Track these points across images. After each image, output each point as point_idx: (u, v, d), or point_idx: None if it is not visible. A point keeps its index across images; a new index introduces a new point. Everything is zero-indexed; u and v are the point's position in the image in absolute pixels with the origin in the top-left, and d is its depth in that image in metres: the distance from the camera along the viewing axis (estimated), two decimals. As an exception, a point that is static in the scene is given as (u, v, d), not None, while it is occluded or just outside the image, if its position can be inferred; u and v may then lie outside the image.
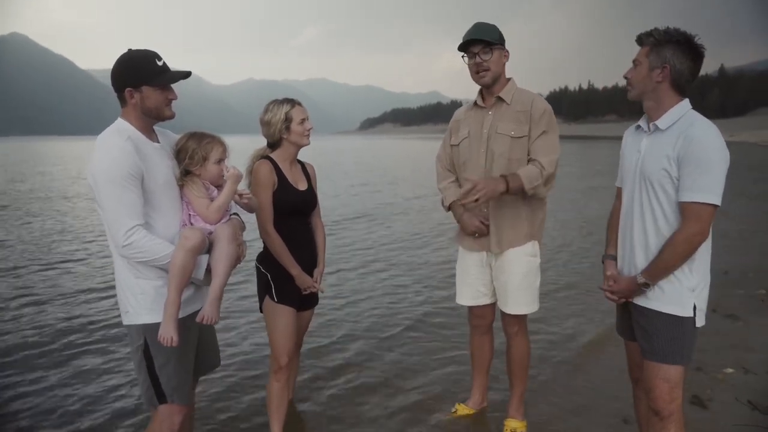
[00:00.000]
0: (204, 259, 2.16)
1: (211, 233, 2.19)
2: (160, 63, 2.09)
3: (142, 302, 2.11)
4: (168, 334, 2.02)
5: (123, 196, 1.99)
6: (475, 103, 2.95)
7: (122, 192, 1.99)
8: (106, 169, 1.99)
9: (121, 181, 1.98)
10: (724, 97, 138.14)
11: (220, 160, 2.26)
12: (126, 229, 1.99)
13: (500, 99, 2.83)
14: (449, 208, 3.02)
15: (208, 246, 2.17)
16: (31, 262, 7.25)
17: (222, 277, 2.13)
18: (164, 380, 2.16)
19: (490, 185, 2.57)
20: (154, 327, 2.08)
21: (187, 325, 2.16)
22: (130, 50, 2.11)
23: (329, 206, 11.95)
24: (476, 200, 2.55)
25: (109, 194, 1.99)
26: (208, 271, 2.17)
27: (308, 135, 2.80)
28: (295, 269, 2.77)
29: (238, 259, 2.27)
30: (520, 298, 2.87)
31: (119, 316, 2.25)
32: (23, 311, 5.27)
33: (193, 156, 2.22)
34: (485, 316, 3.10)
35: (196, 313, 2.17)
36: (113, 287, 2.27)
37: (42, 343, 4.44)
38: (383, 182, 19.09)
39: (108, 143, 2.04)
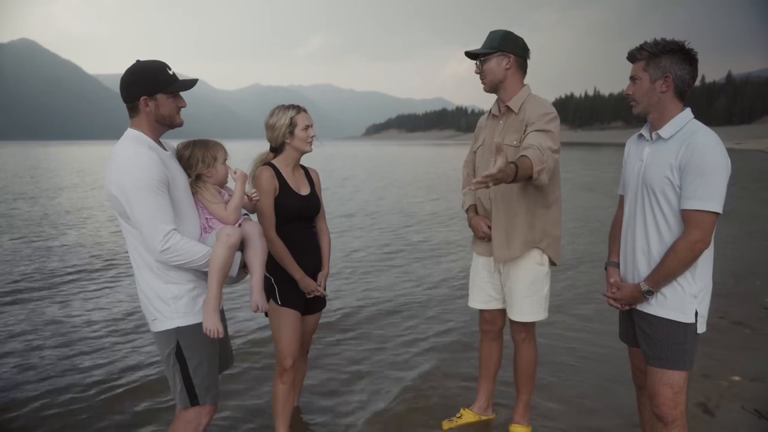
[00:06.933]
0: (238, 256, 2.26)
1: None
2: (170, 72, 2.16)
3: (174, 307, 2.16)
4: (214, 326, 2.12)
5: (157, 203, 2.04)
6: (491, 112, 2.97)
7: (156, 198, 2.03)
8: (139, 178, 2.02)
9: (154, 188, 2.03)
10: (730, 105, 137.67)
11: (225, 160, 2.37)
12: (163, 234, 2.04)
13: (509, 109, 2.82)
14: (467, 212, 3.07)
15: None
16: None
17: (261, 270, 2.33)
18: (198, 381, 2.22)
19: (505, 173, 2.19)
20: (187, 329, 2.16)
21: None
22: (139, 61, 2.17)
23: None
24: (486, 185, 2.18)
25: (142, 202, 2.02)
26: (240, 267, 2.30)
27: (311, 142, 2.83)
28: (298, 273, 2.78)
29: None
30: (525, 306, 2.87)
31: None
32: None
33: (204, 159, 2.31)
34: (495, 322, 3.11)
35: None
36: None
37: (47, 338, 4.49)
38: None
39: (133, 153, 2.07)
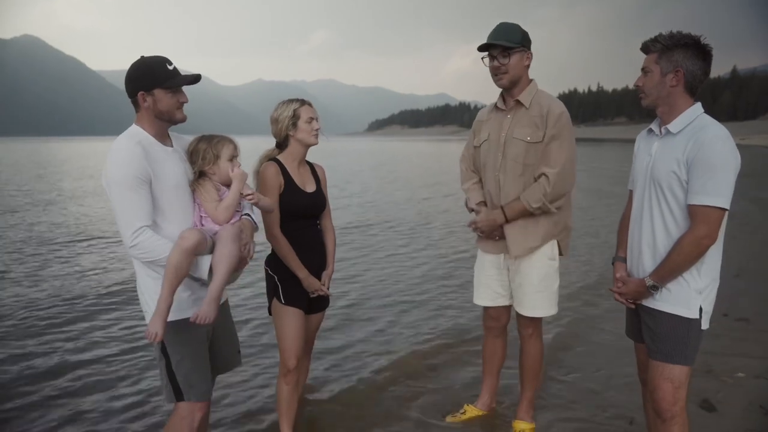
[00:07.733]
0: (208, 259, 2.17)
1: (216, 234, 2.20)
2: (170, 67, 2.15)
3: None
4: (153, 330, 2.03)
5: (131, 198, 2.05)
6: (496, 106, 2.94)
7: (130, 194, 2.05)
8: (115, 172, 2.06)
9: (129, 184, 2.04)
10: (735, 100, 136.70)
11: (233, 158, 2.29)
12: (133, 229, 2.05)
13: (519, 103, 2.80)
14: (472, 210, 3.01)
15: (211, 246, 2.18)
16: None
17: (221, 278, 2.12)
18: (180, 378, 2.22)
19: (489, 223, 2.84)
20: (169, 325, 2.13)
21: (196, 324, 2.17)
22: (142, 57, 2.17)
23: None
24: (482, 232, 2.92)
25: (118, 196, 2.05)
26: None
27: (316, 134, 2.79)
28: (301, 272, 2.76)
29: (243, 260, 2.26)
30: (537, 301, 2.86)
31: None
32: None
33: (205, 156, 2.26)
34: (500, 318, 3.10)
35: None
36: None
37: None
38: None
39: (117, 148, 2.11)
